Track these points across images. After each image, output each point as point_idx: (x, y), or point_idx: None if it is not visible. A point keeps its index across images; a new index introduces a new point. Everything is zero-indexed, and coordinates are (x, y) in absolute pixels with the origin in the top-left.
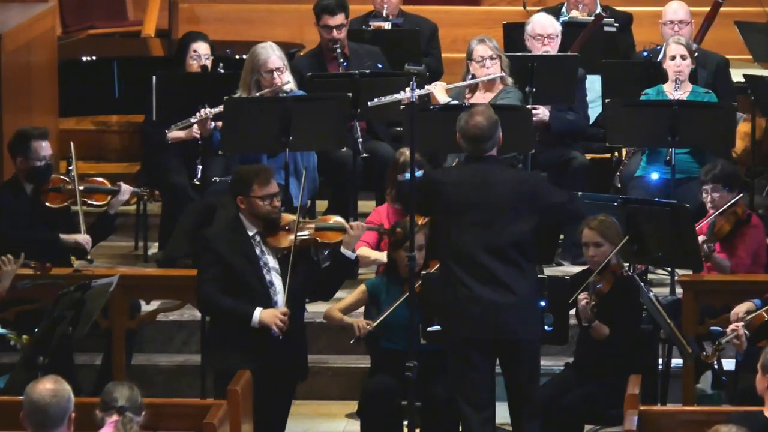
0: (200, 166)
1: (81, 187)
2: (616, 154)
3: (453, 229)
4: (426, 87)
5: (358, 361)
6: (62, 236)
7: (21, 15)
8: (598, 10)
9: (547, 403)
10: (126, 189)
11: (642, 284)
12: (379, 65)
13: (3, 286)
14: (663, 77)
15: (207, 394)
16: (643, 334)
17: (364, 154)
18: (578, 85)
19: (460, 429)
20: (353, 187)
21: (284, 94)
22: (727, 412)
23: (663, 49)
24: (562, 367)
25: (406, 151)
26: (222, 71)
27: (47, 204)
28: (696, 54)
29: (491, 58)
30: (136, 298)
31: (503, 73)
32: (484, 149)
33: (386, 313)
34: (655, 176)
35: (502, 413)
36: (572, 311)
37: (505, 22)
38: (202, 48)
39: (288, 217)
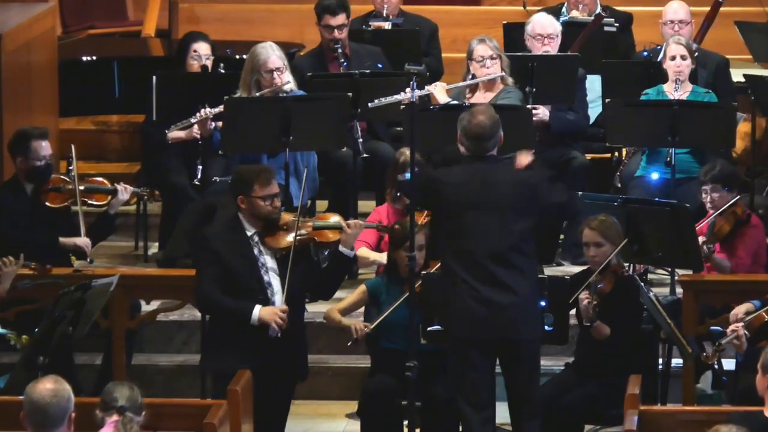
0: (200, 166)
1: (81, 187)
2: (616, 154)
3: (453, 228)
4: (426, 87)
5: (358, 361)
6: (62, 239)
7: (21, 15)
8: (598, 10)
9: (547, 403)
10: (124, 189)
11: (642, 284)
12: (379, 65)
13: (3, 287)
14: (663, 77)
15: (207, 394)
16: (643, 334)
17: (365, 154)
18: (578, 85)
19: (460, 429)
20: (353, 187)
21: (284, 94)
22: (727, 412)
23: (663, 49)
24: (562, 367)
25: (407, 151)
26: (222, 71)
27: (47, 204)
28: (696, 54)
29: (491, 58)
30: (136, 298)
31: (503, 73)
32: (485, 148)
33: (384, 315)
34: (655, 176)
35: (502, 413)
36: (572, 311)
37: (505, 22)
38: (202, 48)
39: (286, 217)
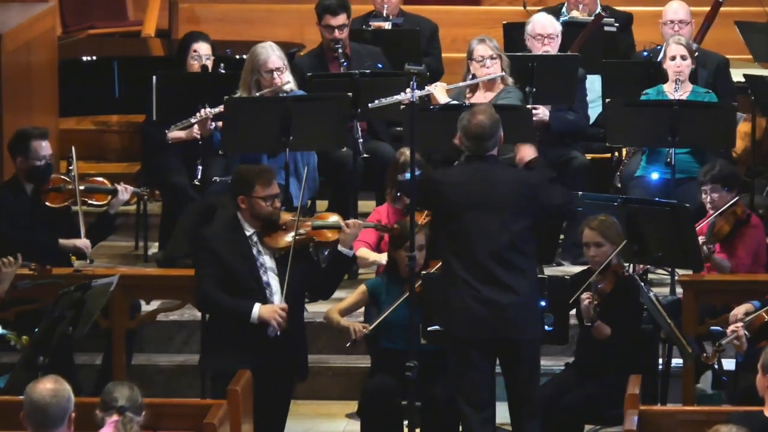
0: (200, 166)
1: (81, 187)
2: (616, 154)
3: (453, 228)
4: (426, 87)
5: (358, 361)
6: (61, 241)
7: (21, 15)
8: (598, 10)
9: (547, 403)
10: (124, 189)
11: (642, 284)
12: (380, 65)
13: (3, 287)
14: (663, 77)
15: (207, 394)
16: (643, 334)
17: (365, 154)
18: (578, 85)
19: (460, 429)
20: (353, 187)
21: (284, 94)
22: (727, 412)
23: (663, 49)
24: (562, 367)
25: (407, 151)
26: (222, 71)
27: (47, 204)
28: (696, 54)
29: (491, 57)
30: (136, 298)
31: (503, 73)
32: (485, 148)
33: (383, 316)
34: (655, 176)
35: (502, 413)
36: (572, 311)
37: (505, 22)
38: (203, 48)
39: (285, 217)
